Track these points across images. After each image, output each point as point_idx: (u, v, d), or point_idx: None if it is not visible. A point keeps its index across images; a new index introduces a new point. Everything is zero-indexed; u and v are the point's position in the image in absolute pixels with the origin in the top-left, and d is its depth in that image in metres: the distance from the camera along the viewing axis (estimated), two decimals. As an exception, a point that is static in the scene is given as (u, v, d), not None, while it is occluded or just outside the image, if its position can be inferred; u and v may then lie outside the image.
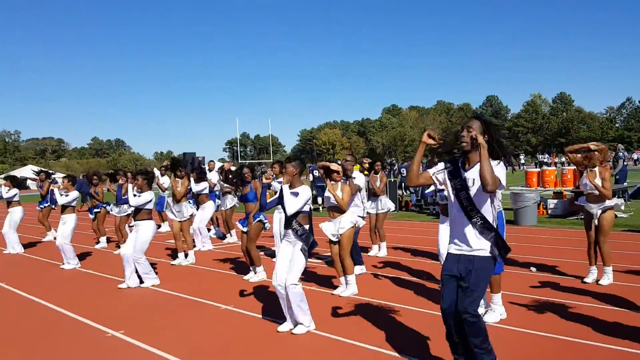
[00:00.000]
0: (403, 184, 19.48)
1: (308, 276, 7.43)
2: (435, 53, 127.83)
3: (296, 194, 4.86)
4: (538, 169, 16.72)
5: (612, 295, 5.75)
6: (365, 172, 8.82)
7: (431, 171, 3.57)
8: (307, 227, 4.93)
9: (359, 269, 7.26)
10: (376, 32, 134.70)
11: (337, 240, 6.27)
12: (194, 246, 9.85)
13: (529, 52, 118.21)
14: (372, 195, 8.76)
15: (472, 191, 3.33)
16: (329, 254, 8.29)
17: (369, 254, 8.96)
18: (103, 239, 11.44)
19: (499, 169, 3.25)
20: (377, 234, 8.88)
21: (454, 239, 3.49)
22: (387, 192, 10.14)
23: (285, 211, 4.89)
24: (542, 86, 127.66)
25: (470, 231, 3.36)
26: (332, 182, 6.19)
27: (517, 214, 12.38)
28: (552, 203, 13.73)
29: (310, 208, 5.09)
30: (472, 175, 3.34)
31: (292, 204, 4.81)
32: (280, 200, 5.00)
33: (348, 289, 6.26)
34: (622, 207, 6.30)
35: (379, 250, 8.96)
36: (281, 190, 5.01)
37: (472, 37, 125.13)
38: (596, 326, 4.70)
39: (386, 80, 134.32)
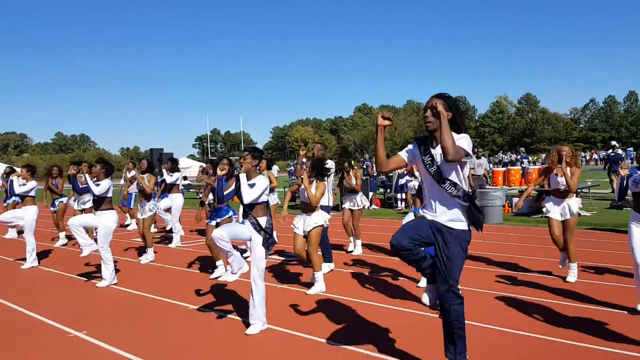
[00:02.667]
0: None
1: (275, 274, 7.41)
2: (405, 53, 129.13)
3: (252, 185, 4.90)
4: (504, 169, 17.08)
5: (575, 292, 5.91)
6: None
7: (401, 153, 3.65)
8: (265, 219, 4.93)
9: (327, 267, 7.27)
10: (348, 30, 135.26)
11: (304, 234, 6.28)
12: (168, 243, 9.71)
13: (496, 53, 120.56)
14: (349, 191, 8.78)
15: (441, 165, 3.46)
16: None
17: (347, 251, 9.01)
18: (62, 235, 11.15)
19: (464, 141, 3.33)
20: (353, 231, 8.90)
21: (428, 208, 3.58)
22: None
23: (242, 202, 4.93)
24: (508, 87, 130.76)
25: (444, 200, 3.47)
26: (310, 179, 6.26)
27: (483, 212, 12.59)
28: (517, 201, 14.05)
29: (268, 200, 5.10)
30: (439, 151, 3.45)
31: (248, 195, 4.84)
32: (237, 191, 5.03)
33: (315, 286, 6.26)
34: (580, 206, 6.47)
35: (355, 248, 8.96)
36: (238, 180, 5.03)
37: (441, 38, 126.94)
38: (560, 322, 4.82)
39: (358, 78, 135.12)
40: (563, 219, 6.41)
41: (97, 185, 7.01)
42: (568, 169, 6.28)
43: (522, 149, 30.22)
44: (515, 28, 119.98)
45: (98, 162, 7.23)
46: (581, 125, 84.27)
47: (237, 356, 4.31)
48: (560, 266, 6.61)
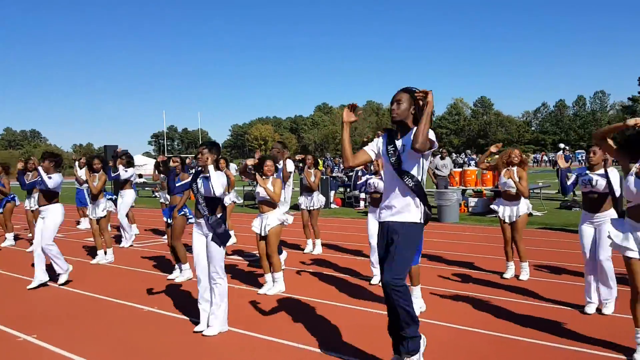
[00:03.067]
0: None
1: (234, 274, 7.33)
2: (365, 53, 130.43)
3: (207, 179, 4.82)
4: (459, 169, 17.48)
5: (527, 289, 6.11)
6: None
7: (367, 148, 3.74)
8: (219, 215, 4.86)
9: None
10: (308, 30, 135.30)
11: (264, 235, 6.22)
12: (118, 243, 9.43)
13: (453, 56, 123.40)
14: (306, 190, 8.75)
15: (403, 156, 3.55)
16: (255, 252, 8.23)
17: (304, 251, 8.99)
18: (10, 236, 10.69)
19: (431, 133, 3.45)
20: (312, 231, 8.89)
21: (384, 202, 3.67)
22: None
23: (200, 198, 4.86)
24: (464, 90, 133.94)
25: (401, 193, 3.55)
26: (264, 176, 6.20)
27: (440, 211, 12.89)
28: (472, 201, 14.46)
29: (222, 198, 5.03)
30: (403, 142, 3.57)
31: (218, 187, 4.75)
32: (191, 185, 4.98)
33: (275, 286, 6.23)
34: (529, 208, 6.71)
35: (314, 248, 8.94)
36: (194, 174, 4.97)
37: (400, 40, 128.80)
38: (512, 319, 4.97)
39: (318, 78, 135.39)
40: (510, 221, 6.64)
41: (50, 178, 6.77)
42: (516, 172, 6.47)
43: (468, 151, 31.23)
44: (472, 33, 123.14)
45: (45, 157, 6.96)
46: (533, 128, 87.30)
47: (192, 358, 4.24)
48: (505, 276, 6.71)
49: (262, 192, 6.15)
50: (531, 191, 17.08)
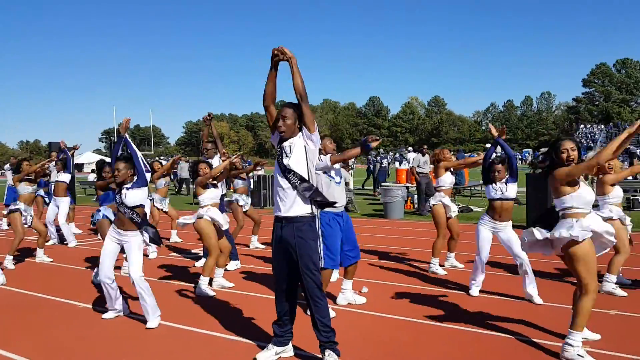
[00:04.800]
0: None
1: (176, 272, 7.36)
2: (321, 51, 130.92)
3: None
4: (407, 167, 17.97)
5: (454, 282, 6.45)
6: None
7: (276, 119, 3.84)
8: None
9: (234, 265, 7.32)
10: (264, 26, 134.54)
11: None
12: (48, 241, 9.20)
13: (408, 55, 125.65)
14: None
15: (289, 157, 3.73)
16: (198, 250, 8.32)
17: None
18: None
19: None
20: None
21: (276, 203, 3.82)
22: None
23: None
24: (419, 89, 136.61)
25: (290, 193, 3.71)
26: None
27: (386, 207, 13.25)
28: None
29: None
30: (288, 144, 3.77)
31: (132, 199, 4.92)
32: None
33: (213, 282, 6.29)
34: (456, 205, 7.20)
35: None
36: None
37: (358, 39, 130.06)
38: (443, 308, 5.27)
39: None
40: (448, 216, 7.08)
41: None
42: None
43: (410, 148, 32.09)
44: (428, 33, 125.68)
45: None
46: (483, 127, 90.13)
47: (131, 352, 4.29)
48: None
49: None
50: (473, 188, 17.80)
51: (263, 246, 9.02)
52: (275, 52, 3.67)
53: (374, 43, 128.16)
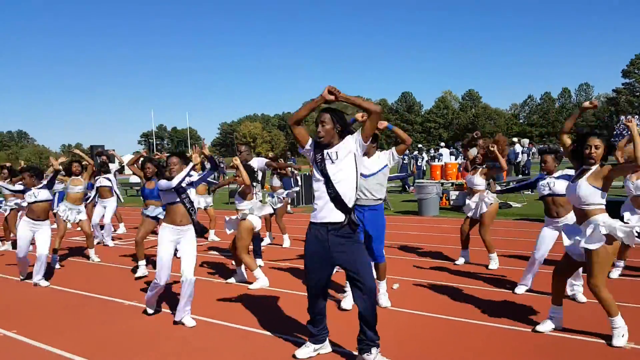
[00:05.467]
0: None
1: (217, 269, 7.52)
2: (354, 49, 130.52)
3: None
4: (442, 163, 17.77)
5: (498, 278, 6.38)
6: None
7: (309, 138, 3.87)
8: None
9: (259, 262, 7.43)
10: (294, 25, 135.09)
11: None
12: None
13: (441, 50, 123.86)
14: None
15: (335, 164, 3.71)
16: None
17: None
18: None
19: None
20: (278, 226, 9.07)
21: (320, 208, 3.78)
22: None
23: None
24: (452, 84, 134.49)
25: (329, 203, 3.70)
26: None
27: (420, 204, 13.15)
28: (453, 195, 14.72)
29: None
30: (334, 150, 3.74)
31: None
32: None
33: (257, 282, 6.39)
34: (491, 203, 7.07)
35: (283, 242, 9.14)
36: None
37: (388, 35, 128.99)
38: (484, 306, 5.20)
39: (306, 74, 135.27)
40: (473, 216, 7.02)
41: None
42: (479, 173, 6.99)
43: (443, 144, 31.58)
44: (461, 26, 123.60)
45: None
46: (521, 121, 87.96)
47: (173, 348, 4.44)
48: (457, 263, 7.19)
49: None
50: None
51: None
52: (331, 94, 3.66)
53: (404, 38, 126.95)
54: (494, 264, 6.89)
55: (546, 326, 4.38)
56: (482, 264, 7.03)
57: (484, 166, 6.99)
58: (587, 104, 4.30)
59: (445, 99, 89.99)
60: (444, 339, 4.37)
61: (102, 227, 10.30)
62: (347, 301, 5.19)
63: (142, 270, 7.22)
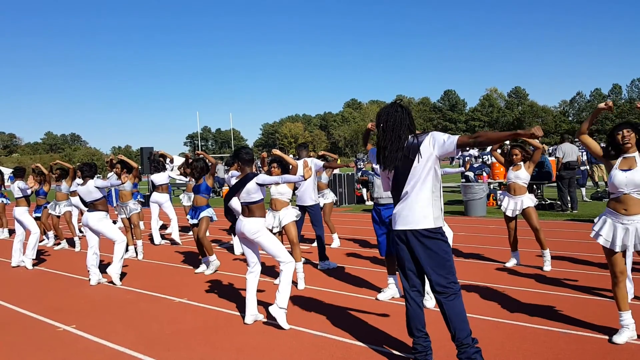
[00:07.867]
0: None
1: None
2: (395, 48, 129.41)
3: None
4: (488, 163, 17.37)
5: (553, 278, 6.19)
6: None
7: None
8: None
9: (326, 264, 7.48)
10: (336, 26, 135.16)
11: (279, 231, 6.53)
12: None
13: (485, 46, 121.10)
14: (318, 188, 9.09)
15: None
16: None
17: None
18: (51, 234, 11.15)
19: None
20: (327, 226, 9.09)
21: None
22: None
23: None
24: (497, 81, 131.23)
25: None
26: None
27: (467, 205, 12.90)
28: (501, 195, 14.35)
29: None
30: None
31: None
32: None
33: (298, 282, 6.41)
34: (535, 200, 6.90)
35: (332, 241, 9.19)
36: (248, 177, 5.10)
37: (430, 32, 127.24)
38: (531, 308, 5.07)
39: (347, 74, 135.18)
40: (513, 215, 6.86)
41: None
42: (526, 169, 6.74)
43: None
44: (505, 23, 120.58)
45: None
46: (570, 118, 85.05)
47: (224, 345, 4.52)
48: (507, 265, 7.00)
49: (274, 190, 6.49)
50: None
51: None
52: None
53: (447, 35, 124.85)
54: (547, 266, 6.68)
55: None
56: (532, 265, 6.83)
57: (525, 161, 6.75)
58: (602, 105, 4.13)
59: (491, 96, 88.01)
60: (497, 341, 4.26)
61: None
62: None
63: (216, 263, 7.43)
